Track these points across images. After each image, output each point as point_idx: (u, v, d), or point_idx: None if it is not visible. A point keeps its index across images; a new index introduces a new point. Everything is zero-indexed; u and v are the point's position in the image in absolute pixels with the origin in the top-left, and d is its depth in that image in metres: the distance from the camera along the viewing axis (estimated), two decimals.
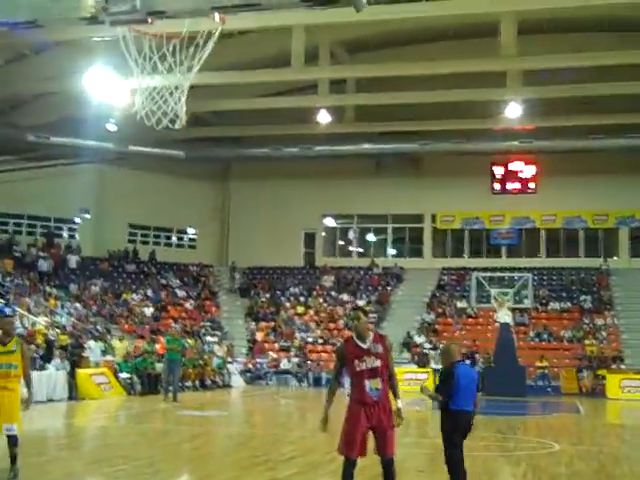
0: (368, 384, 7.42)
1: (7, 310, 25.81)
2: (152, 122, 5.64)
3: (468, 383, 8.36)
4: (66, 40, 25.43)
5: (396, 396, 7.62)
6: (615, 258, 37.71)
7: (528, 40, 28.12)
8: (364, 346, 7.49)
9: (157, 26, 5.05)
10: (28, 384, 9.74)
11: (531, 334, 32.54)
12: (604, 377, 28.33)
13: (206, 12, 4.98)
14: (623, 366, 29.37)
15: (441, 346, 8.16)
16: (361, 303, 35.51)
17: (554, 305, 34.49)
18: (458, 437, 8.33)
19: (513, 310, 30.28)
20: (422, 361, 30.48)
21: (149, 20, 5.02)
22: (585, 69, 28.44)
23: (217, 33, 5.30)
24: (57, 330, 26.25)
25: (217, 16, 5.02)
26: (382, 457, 7.46)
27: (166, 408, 20.21)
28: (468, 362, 28.55)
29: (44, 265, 34.15)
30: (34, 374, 20.26)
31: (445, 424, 8.31)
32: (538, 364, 29.79)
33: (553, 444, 14.11)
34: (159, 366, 24.98)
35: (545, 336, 32.35)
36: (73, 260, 35.98)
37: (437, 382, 8.60)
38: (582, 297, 34.66)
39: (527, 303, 30.80)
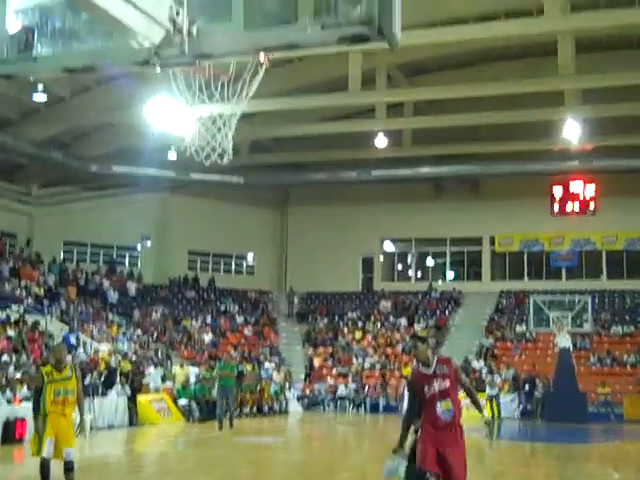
0: (439, 405, 7.44)
1: (71, 337, 26.35)
2: (201, 157, 5.83)
3: None
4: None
5: (481, 409, 7.85)
6: None
7: (586, 58, 27.89)
8: (429, 372, 7.53)
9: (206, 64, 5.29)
10: (81, 410, 9.94)
11: (592, 359, 31.88)
12: None
13: (250, 53, 5.17)
14: None
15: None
16: (418, 328, 35.43)
17: (616, 329, 33.78)
18: None
19: (573, 334, 29.78)
20: (480, 387, 30.09)
21: (197, 62, 5.22)
22: None
23: (262, 71, 5.47)
24: (119, 356, 26.67)
25: (262, 55, 5.21)
26: None
27: (223, 435, 20.31)
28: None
29: (107, 293, 34.83)
30: (96, 400, 20.80)
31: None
32: (600, 390, 29.19)
33: (613, 473, 13.83)
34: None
35: (607, 361, 31.68)
36: (133, 287, 36.58)
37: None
38: None
39: (587, 327, 30.20)
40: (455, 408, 7.45)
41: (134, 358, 27.86)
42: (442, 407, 7.41)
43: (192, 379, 27.36)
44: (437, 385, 7.44)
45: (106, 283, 35.63)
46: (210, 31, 5.12)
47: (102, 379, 23.43)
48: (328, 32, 4.78)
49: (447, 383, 7.44)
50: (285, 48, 4.92)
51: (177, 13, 4.93)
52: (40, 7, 5.27)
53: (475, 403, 7.72)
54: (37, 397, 9.71)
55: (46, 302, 30.34)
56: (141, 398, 23.46)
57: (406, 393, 8.14)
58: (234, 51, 5.19)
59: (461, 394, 7.76)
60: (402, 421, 7.81)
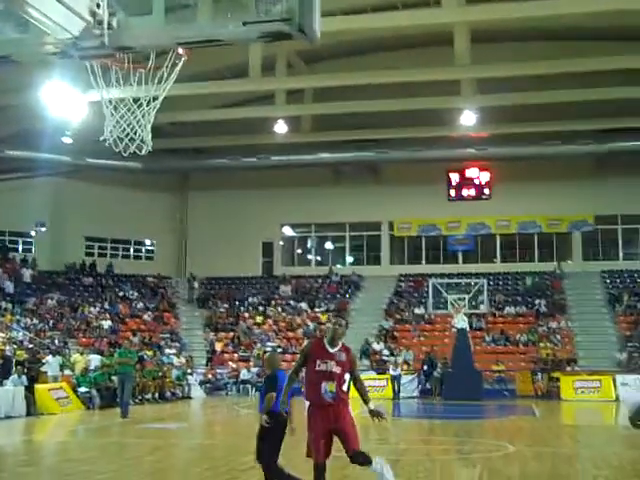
0: (324, 386, 7.73)
1: None
2: (120, 149, 5.82)
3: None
4: None
5: (366, 400, 7.95)
6: (569, 262, 38.40)
7: (481, 49, 28.65)
8: (331, 350, 7.80)
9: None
10: None
11: (487, 339, 33.01)
12: (558, 379, 28.89)
13: (171, 47, 5.21)
14: (577, 368, 29.97)
15: (266, 355, 8.90)
16: (319, 311, 35.85)
17: (509, 310, 35.05)
18: (281, 439, 8.65)
19: (470, 315, 30.77)
20: (381, 368, 30.79)
21: (116, 55, 5.22)
22: (537, 77, 29.05)
23: (181, 64, 5.52)
24: (14, 345, 26.01)
25: (181, 50, 5.25)
26: (349, 453, 7.71)
27: (125, 422, 20.11)
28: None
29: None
30: None
31: (274, 427, 8.53)
32: (494, 368, 30.30)
33: (508, 446, 14.43)
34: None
35: (501, 340, 32.86)
36: (27, 274, 35.65)
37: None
38: (537, 301, 35.25)
39: (483, 308, 31.25)
40: (338, 391, 7.76)
41: (30, 346, 27.21)
42: (327, 387, 7.72)
43: (92, 366, 26.92)
44: (330, 366, 7.74)
45: None
46: (131, 24, 5.13)
47: None
48: (249, 28, 4.86)
49: (338, 369, 7.76)
50: (205, 42, 4.98)
51: (97, 5, 4.92)
52: None
53: (362, 395, 7.99)
54: None
55: None
56: (39, 387, 22.95)
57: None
58: (155, 44, 5.23)
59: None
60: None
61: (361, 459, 7.77)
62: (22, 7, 4.68)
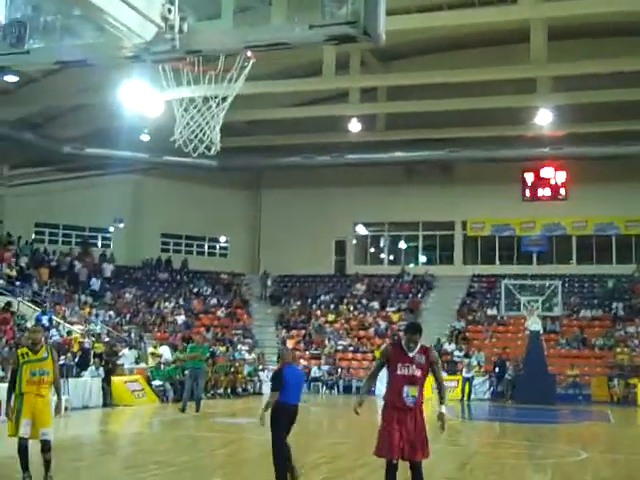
0: (406, 390, 7.74)
1: (44, 318, 26.31)
2: (189, 149, 5.97)
3: (295, 381, 9.87)
4: None
5: (442, 401, 7.95)
6: None
7: (558, 46, 28.15)
8: (410, 354, 7.81)
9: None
10: (58, 391, 10.00)
11: (562, 342, 32.41)
12: (635, 385, 28.20)
13: (239, 50, 5.33)
14: None
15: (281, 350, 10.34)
16: (391, 311, 35.78)
17: (585, 313, 34.34)
18: (285, 427, 9.81)
19: (544, 318, 30.29)
20: (452, 369, 30.56)
21: (187, 58, 5.36)
22: (616, 75, 28.38)
23: (249, 66, 5.63)
24: (92, 338, 26.71)
25: (249, 53, 5.37)
26: (411, 461, 7.73)
27: (198, 415, 20.42)
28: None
29: (79, 274, 34.76)
30: (70, 381, 20.86)
31: (276, 416, 9.64)
32: (569, 372, 29.74)
33: (581, 452, 14.19)
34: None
35: (575, 344, 32.24)
36: (108, 269, 36.57)
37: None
38: (614, 304, 34.45)
39: (557, 311, 30.71)
40: (420, 395, 7.78)
41: (107, 339, 27.90)
42: (408, 392, 7.73)
43: (163, 359, 27.42)
44: (410, 370, 7.74)
45: (78, 265, 35.55)
46: (200, 28, 5.26)
47: (76, 360, 23.48)
48: (315, 31, 4.93)
49: (418, 372, 7.75)
50: (273, 46, 5.08)
51: (169, 11, 5.07)
52: (32, 2, 5.38)
53: (440, 394, 7.99)
54: (13, 378, 9.76)
55: (18, 284, 30.24)
56: (115, 379, 23.53)
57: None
58: (224, 48, 5.36)
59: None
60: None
61: (418, 473, 7.74)
62: (98, 14, 4.86)
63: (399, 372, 7.77)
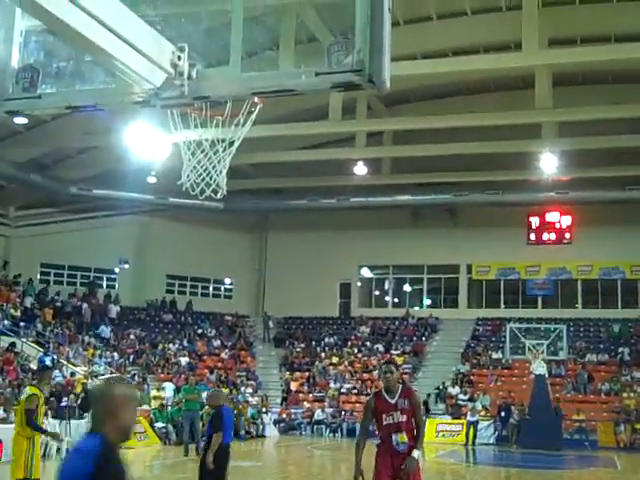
0: (395, 438, 7.68)
1: (47, 359, 26.30)
2: (196, 192, 6.06)
3: (230, 422, 10.78)
4: None
5: (416, 446, 7.74)
6: None
7: (563, 92, 28.44)
8: (392, 401, 7.72)
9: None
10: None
11: (567, 386, 32.19)
12: None
13: (246, 96, 5.44)
14: None
15: (210, 392, 11.50)
16: (395, 354, 35.64)
17: (591, 357, 34.18)
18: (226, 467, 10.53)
19: (549, 362, 30.16)
20: (456, 413, 30.37)
21: (195, 104, 5.48)
22: (620, 120, 28.62)
23: (256, 111, 5.73)
24: (95, 379, 26.60)
25: (256, 99, 5.48)
26: None
27: (200, 459, 20.21)
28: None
29: (84, 315, 34.75)
30: (72, 423, 20.76)
31: (218, 458, 10.16)
32: (575, 417, 29.51)
33: None
34: None
35: (581, 388, 32.02)
36: (113, 310, 36.57)
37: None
38: (620, 349, 34.28)
39: (562, 355, 30.58)
40: (410, 439, 7.68)
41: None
42: (397, 439, 7.66)
43: (166, 395, 27.31)
44: (395, 417, 7.67)
45: (83, 305, 35.56)
46: (209, 74, 5.37)
47: (78, 401, 23.37)
48: (321, 79, 5.04)
49: (404, 417, 7.68)
50: (279, 92, 5.18)
51: (179, 58, 5.18)
52: (45, 48, 5.51)
53: (417, 439, 7.80)
54: (31, 418, 9.68)
55: (22, 324, 30.25)
56: None
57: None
58: (231, 94, 5.47)
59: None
60: (355, 444, 7.92)
61: None
62: (109, 60, 4.97)
63: (384, 422, 7.72)
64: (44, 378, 10.89)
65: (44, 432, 9.78)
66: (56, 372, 25.49)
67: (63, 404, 22.68)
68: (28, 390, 10.13)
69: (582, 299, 38.83)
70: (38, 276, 37.06)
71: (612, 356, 34.21)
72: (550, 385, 29.08)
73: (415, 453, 7.67)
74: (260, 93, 5.30)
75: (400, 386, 7.85)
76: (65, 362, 27.80)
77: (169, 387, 28.52)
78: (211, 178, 6.02)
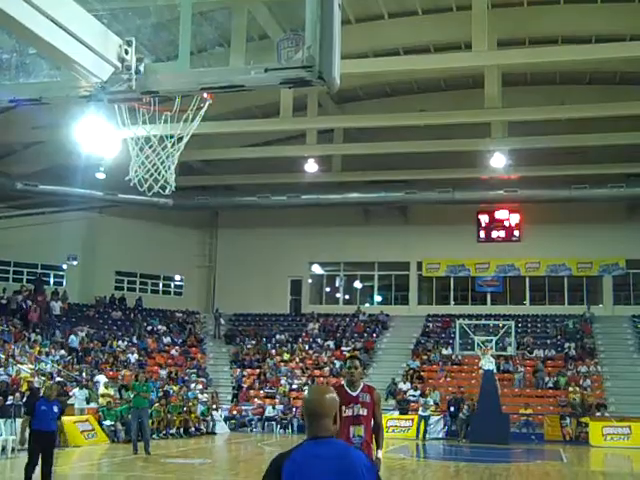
0: (352, 430, 7.67)
1: None
2: (144, 188, 5.98)
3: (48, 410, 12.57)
4: None
5: (378, 446, 7.84)
6: (600, 305, 37.97)
7: (512, 91, 28.84)
8: (353, 394, 7.75)
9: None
10: None
11: (515, 382, 32.64)
12: (587, 425, 28.45)
13: (195, 92, 5.39)
14: (607, 414, 29.47)
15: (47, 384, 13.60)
16: (346, 350, 35.75)
17: (538, 352, 34.71)
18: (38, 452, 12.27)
19: (498, 357, 30.56)
20: (405, 409, 30.58)
21: (143, 99, 5.40)
22: (568, 120, 29.09)
23: (205, 107, 5.68)
24: (42, 377, 26.23)
25: (205, 94, 5.43)
26: None
27: (149, 456, 20.09)
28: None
29: (30, 312, 34.18)
30: (18, 421, 20.39)
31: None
32: (522, 411, 29.94)
33: None
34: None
35: (529, 383, 32.51)
36: (57, 307, 36.02)
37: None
38: (566, 345, 34.90)
39: (511, 351, 31.02)
40: (366, 434, 7.70)
41: (58, 379, 27.41)
42: (354, 432, 7.66)
43: (100, 388, 27.13)
44: (355, 410, 7.68)
45: (29, 302, 34.96)
46: (157, 69, 5.31)
47: (24, 400, 22.96)
48: (271, 75, 5.01)
49: (364, 412, 7.70)
50: (228, 88, 5.14)
51: (126, 52, 5.11)
52: None
53: (377, 439, 7.86)
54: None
55: None
56: (65, 419, 23.05)
57: None
58: (180, 89, 5.41)
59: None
60: None
61: None
62: (54, 53, 4.88)
63: (345, 414, 7.75)
64: None
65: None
66: (0, 370, 25.09)
67: (9, 402, 22.30)
68: None
69: (530, 295, 39.41)
70: None
71: (558, 351, 34.81)
72: (499, 380, 29.46)
73: (379, 453, 7.74)
74: (209, 88, 5.25)
75: (362, 382, 7.90)
76: (11, 360, 27.30)
77: (101, 381, 28.28)
78: (160, 174, 5.95)
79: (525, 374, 32.93)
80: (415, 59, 26.04)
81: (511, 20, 25.83)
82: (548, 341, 35.76)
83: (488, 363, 28.52)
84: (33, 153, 33.22)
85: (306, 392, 3.95)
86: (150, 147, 5.95)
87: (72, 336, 33.33)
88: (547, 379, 32.64)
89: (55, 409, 12.86)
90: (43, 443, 12.40)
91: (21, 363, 27.58)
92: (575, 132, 29.18)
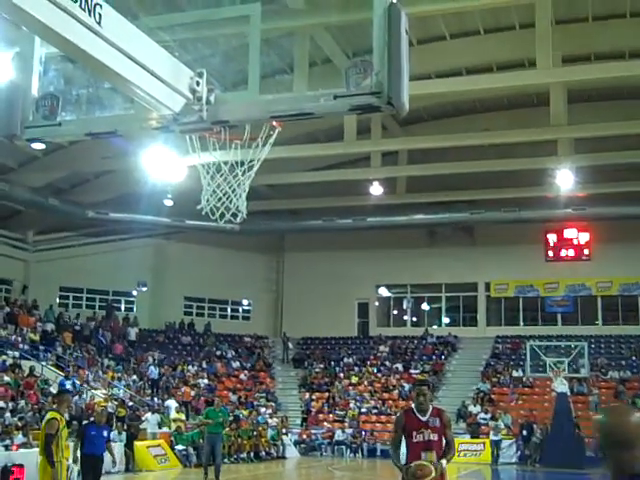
0: (424, 456, 7.57)
1: (67, 383, 26.34)
2: (216, 217, 6.06)
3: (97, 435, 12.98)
4: None
5: (444, 457, 7.66)
6: None
7: (578, 108, 28.41)
8: (423, 419, 7.67)
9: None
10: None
11: (590, 404, 31.86)
12: None
13: (264, 120, 5.46)
14: None
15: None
16: (415, 373, 35.47)
17: (613, 374, 33.86)
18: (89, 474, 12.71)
19: (571, 379, 29.90)
20: (477, 432, 30.13)
21: (214, 129, 5.50)
22: (636, 135, 28.49)
23: (275, 135, 5.75)
24: (115, 402, 26.64)
25: (274, 122, 5.49)
26: None
27: None
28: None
29: (103, 338, 34.82)
30: None
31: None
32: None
33: None
34: None
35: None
36: (133, 332, 36.63)
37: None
38: None
39: (584, 372, 30.32)
40: (438, 459, 7.57)
41: (130, 404, 27.82)
42: (426, 458, 7.54)
43: (171, 413, 27.41)
44: (425, 435, 7.60)
45: (107, 334, 35.58)
46: (227, 99, 5.41)
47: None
48: (340, 102, 5.05)
49: (435, 437, 7.61)
50: (298, 116, 5.20)
51: (197, 83, 5.21)
52: (64, 75, 5.55)
53: (446, 452, 7.72)
54: (49, 444, 9.72)
55: (42, 348, 30.34)
56: (138, 444, 23.40)
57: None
58: (250, 118, 5.49)
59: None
60: (392, 454, 7.93)
61: None
62: (128, 87, 5.00)
63: (414, 440, 7.65)
64: (63, 402, 10.90)
65: (51, 461, 9.78)
66: (76, 397, 25.56)
67: None
68: (48, 415, 10.18)
69: (602, 315, 38.53)
70: (57, 300, 37.20)
71: (634, 372, 33.88)
72: (572, 403, 28.81)
73: (444, 462, 7.58)
74: (279, 117, 5.31)
75: (431, 406, 7.81)
76: (85, 385, 27.82)
77: (172, 406, 28.54)
78: (231, 202, 6.03)
79: (600, 396, 32.10)
80: (478, 78, 25.88)
81: (576, 36, 25.52)
82: (623, 362, 34.84)
83: (561, 385, 27.97)
84: (103, 182, 33.98)
85: (602, 415, 3.24)
86: (221, 175, 6.03)
87: (152, 367, 33.63)
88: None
89: (105, 433, 13.20)
90: (93, 465, 12.92)
91: (95, 388, 28.07)
92: None
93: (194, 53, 5.71)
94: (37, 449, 18.43)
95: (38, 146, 26.98)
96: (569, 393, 28.67)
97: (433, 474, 7.40)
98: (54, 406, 10.95)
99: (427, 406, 7.74)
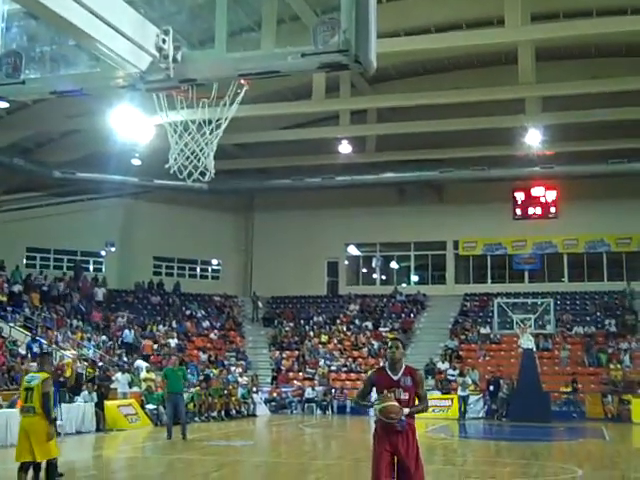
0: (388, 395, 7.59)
1: (34, 344, 26.24)
2: (184, 175, 6.02)
3: None
4: None
5: (412, 409, 7.59)
6: None
7: (546, 67, 28.46)
8: (394, 377, 7.62)
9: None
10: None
11: (562, 360, 32.39)
12: (629, 402, 28.21)
13: (232, 78, 5.41)
14: None
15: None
16: (384, 331, 35.80)
17: (578, 330, 34.43)
18: None
19: (537, 336, 30.37)
20: (446, 388, 30.59)
21: (181, 87, 5.44)
22: (603, 94, 28.65)
23: (242, 93, 5.70)
24: (85, 363, 26.60)
25: (242, 80, 5.45)
26: None
27: (191, 438, 20.24)
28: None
29: (71, 298, 34.64)
30: (63, 406, 20.76)
31: None
32: (563, 389, 29.77)
33: (576, 470, 14.20)
34: (186, 396, 24.93)
35: (569, 361, 32.27)
36: (100, 293, 36.48)
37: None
38: (606, 321, 34.56)
39: (550, 329, 30.81)
40: (409, 419, 7.54)
41: (100, 364, 27.80)
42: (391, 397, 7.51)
43: (141, 375, 27.50)
44: (397, 394, 7.52)
45: (70, 289, 35.42)
46: (194, 57, 5.35)
47: (68, 385, 23.34)
48: (308, 60, 5.01)
49: (406, 396, 7.54)
50: (265, 74, 5.16)
51: (163, 41, 5.14)
52: (28, 32, 5.46)
53: (416, 405, 7.65)
54: (47, 403, 9.94)
55: (9, 309, 30.14)
56: (108, 404, 23.44)
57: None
58: (218, 76, 5.44)
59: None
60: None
61: None
62: (93, 44, 4.93)
63: None
64: (45, 363, 11.02)
65: (49, 418, 10.05)
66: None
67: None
68: (41, 375, 10.30)
69: (568, 273, 39.05)
70: (24, 261, 36.90)
71: (598, 328, 34.48)
72: (538, 358, 29.30)
73: (406, 410, 7.47)
74: (246, 75, 5.27)
75: (403, 364, 7.76)
76: (54, 346, 27.72)
77: (142, 366, 28.63)
78: (199, 161, 5.99)
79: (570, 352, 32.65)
80: (447, 36, 25.81)
81: None
82: (588, 318, 35.42)
83: (527, 341, 28.39)
84: (69, 142, 33.56)
85: None
86: (189, 134, 5.98)
87: (126, 331, 33.51)
88: (587, 356, 32.36)
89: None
90: None
91: (64, 349, 27.99)
92: (611, 105, 28.73)
93: (160, 10, 5.62)
94: (7, 409, 18.50)
95: (1, 104, 26.75)
96: (535, 349, 29.13)
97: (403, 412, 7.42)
98: (39, 367, 11.06)
99: (399, 363, 7.66)
